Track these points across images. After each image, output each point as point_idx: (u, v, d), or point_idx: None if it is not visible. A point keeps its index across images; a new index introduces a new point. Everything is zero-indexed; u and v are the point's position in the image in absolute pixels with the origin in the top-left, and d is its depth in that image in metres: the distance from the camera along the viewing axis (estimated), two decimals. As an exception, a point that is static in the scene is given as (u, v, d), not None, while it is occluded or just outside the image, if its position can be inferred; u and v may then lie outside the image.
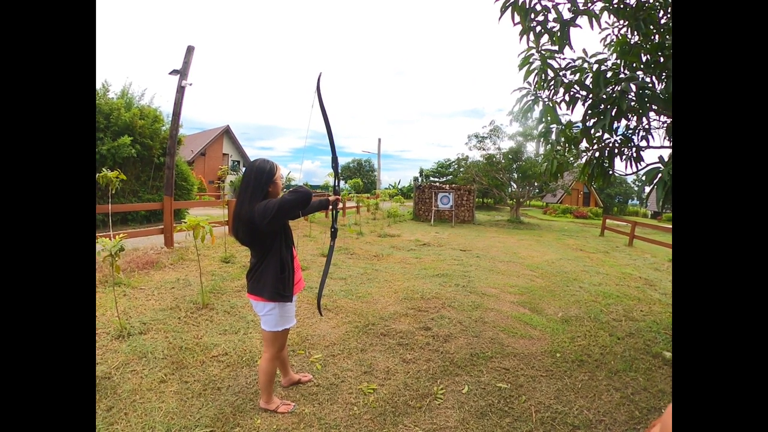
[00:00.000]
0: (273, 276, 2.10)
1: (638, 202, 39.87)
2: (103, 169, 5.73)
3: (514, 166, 17.86)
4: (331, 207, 2.63)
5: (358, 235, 9.74)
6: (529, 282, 5.94)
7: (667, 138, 3.08)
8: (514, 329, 3.86)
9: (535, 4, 2.63)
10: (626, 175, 3.32)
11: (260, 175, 2.07)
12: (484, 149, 19.04)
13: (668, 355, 3.41)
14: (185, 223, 3.85)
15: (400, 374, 2.87)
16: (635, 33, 2.81)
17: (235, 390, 2.56)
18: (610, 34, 3.26)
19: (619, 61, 3.00)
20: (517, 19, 2.52)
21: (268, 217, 1.93)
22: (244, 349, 3.12)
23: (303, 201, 1.98)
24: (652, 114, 3.09)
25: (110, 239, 3.36)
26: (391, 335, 3.55)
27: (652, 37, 2.94)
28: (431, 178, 34.70)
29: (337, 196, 2.66)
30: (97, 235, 4.52)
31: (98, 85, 11.21)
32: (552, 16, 2.64)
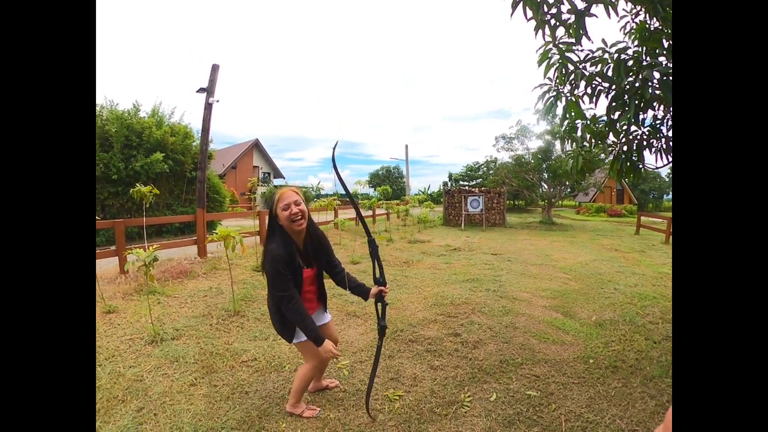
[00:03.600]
0: (283, 320, 2.16)
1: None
2: (137, 184, 5.99)
3: (544, 165, 17.40)
4: (374, 299, 2.25)
5: (388, 242, 9.74)
6: (562, 285, 5.75)
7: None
8: (546, 335, 3.74)
9: (546, -4, 2.54)
10: (657, 168, 3.15)
11: (270, 207, 2.14)
12: (512, 150, 18.72)
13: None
14: (216, 233, 3.97)
15: (427, 381, 2.82)
16: (654, 18, 2.67)
17: (263, 394, 2.60)
18: (628, 21, 3.11)
19: (640, 49, 2.85)
20: (530, 13, 2.45)
21: (268, 279, 2.06)
22: (273, 354, 3.18)
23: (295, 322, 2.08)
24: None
25: (144, 250, 3.52)
26: (420, 341, 3.51)
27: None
28: (460, 182, 34.36)
29: (381, 287, 2.19)
30: (132, 246, 4.75)
31: (129, 106, 11.88)
32: (565, 7, 2.54)
